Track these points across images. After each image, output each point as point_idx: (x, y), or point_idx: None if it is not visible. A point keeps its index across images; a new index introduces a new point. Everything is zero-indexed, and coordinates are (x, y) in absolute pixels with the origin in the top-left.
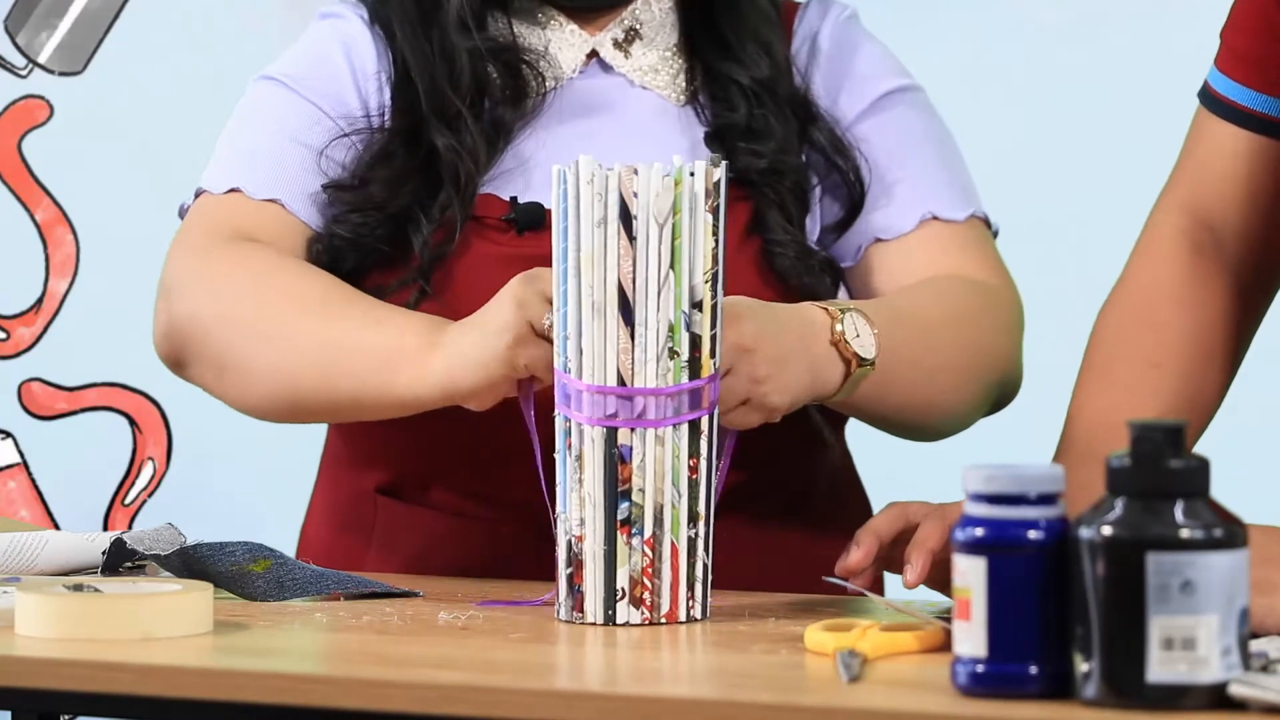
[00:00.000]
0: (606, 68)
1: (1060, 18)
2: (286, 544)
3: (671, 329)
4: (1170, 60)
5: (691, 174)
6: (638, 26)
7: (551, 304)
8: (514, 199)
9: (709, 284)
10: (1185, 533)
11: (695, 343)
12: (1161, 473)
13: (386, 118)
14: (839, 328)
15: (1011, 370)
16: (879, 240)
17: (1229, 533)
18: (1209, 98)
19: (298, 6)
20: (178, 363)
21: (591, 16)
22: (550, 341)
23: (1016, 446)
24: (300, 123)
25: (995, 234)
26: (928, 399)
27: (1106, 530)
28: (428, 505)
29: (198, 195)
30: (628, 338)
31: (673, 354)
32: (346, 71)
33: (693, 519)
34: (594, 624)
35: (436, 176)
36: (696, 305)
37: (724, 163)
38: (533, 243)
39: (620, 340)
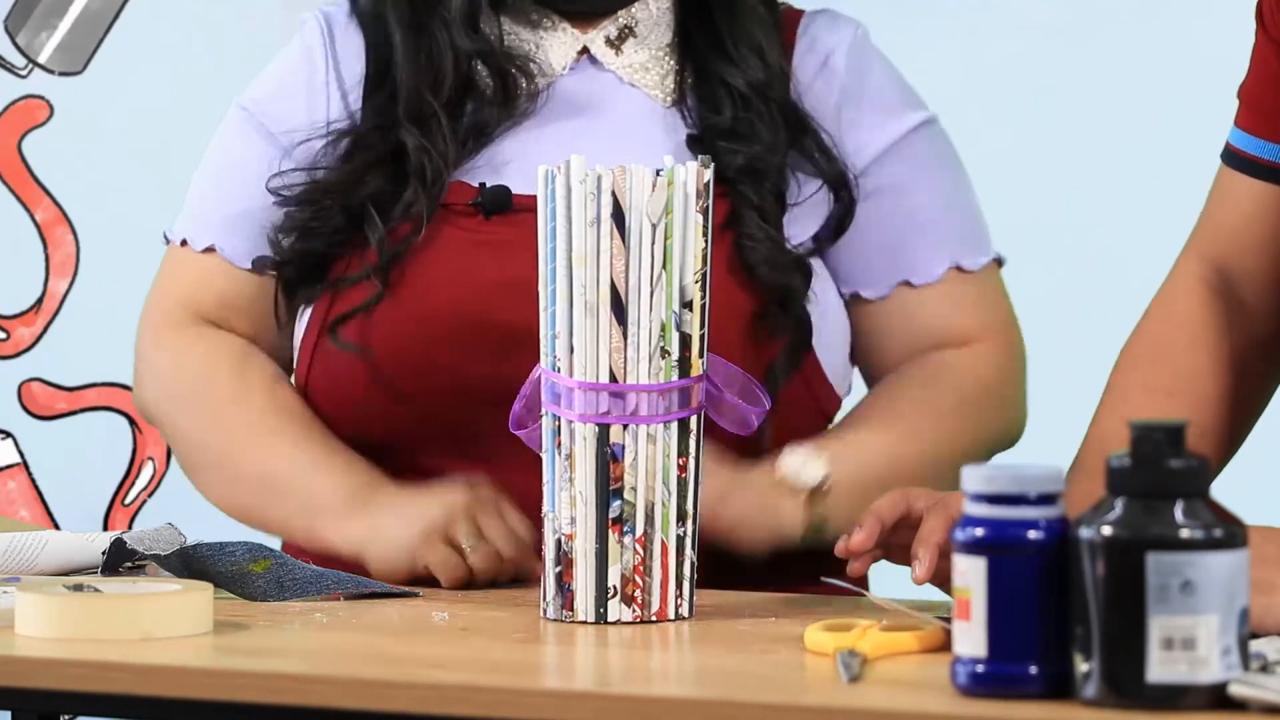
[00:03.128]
0: (596, 64)
1: (1059, 18)
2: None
3: (663, 328)
4: (1169, 61)
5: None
6: (632, 25)
7: (479, 530)
8: (482, 184)
9: (699, 284)
10: (1185, 533)
11: (685, 342)
12: (1161, 473)
13: (356, 121)
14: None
15: (1011, 436)
16: (907, 283)
17: (1229, 533)
18: (1228, 154)
19: (298, 7)
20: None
21: (588, 18)
22: (463, 556)
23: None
24: (266, 170)
25: (1001, 265)
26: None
27: (1106, 530)
28: None
29: (175, 240)
30: (620, 337)
31: (664, 353)
32: (304, 94)
33: (681, 517)
34: (584, 622)
35: (403, 173)
36: (686, 305)
37: (713, 164)
38: (500, 227)
39: (613, 339)
